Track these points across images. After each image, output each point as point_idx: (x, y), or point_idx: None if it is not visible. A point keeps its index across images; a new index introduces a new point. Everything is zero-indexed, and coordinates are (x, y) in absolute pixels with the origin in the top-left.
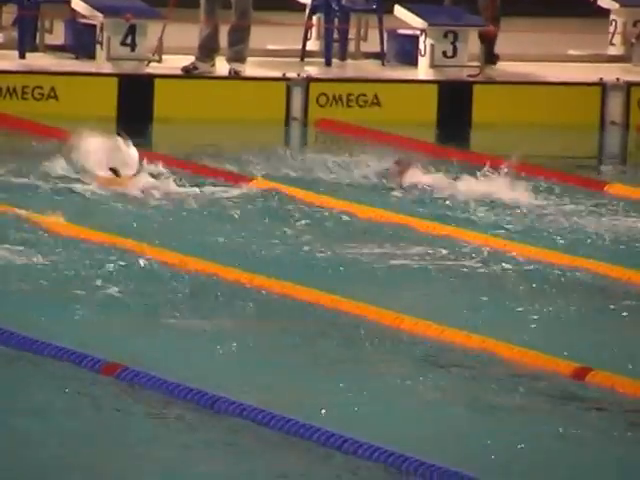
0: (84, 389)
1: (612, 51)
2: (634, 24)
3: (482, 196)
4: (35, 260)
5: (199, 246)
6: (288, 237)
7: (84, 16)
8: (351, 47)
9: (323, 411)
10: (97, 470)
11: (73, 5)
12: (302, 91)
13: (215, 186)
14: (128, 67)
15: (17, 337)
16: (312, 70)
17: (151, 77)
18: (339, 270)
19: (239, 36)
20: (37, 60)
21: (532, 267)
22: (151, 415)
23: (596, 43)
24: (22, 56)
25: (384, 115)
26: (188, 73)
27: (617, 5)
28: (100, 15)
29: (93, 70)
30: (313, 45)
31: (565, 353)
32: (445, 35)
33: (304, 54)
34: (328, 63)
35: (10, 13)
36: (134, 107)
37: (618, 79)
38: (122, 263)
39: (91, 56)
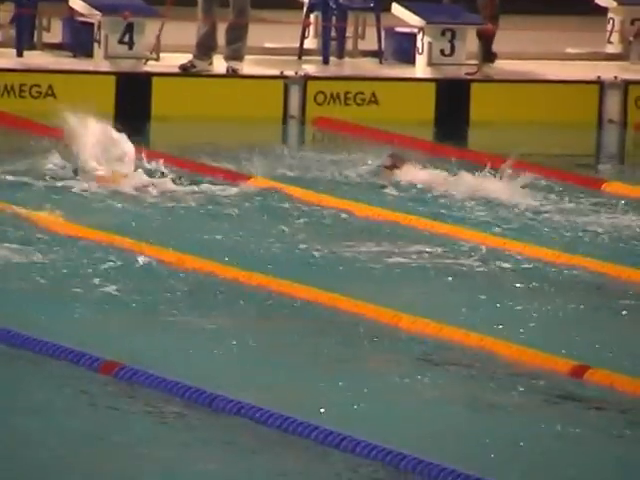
0: (83, 388)
1: (610, 49)
2: (632, 22)
3: (480, 194)
4: (33, 258)
5: (197, 244)
6: (286, 235)
7: (82, 14)
8: (349, 45)
9: (322, 409)
10: (96, 469)
11: (71, 3)
12: (300, 89)
13: (213, 184)
14: (126, 65)
15: (15, 335)
16: (310, 68)
17: (149, 75)
18: (337, 268)
19: (237, 34)
20: (35, 58)
21: (530, 265)
22: (150, 413)
23: (594, 41)
24: (20, 54)
25: (382, 113)
26: (186, 71)
27: (615, 3)
28: (98, 13)
29: (91, 68)
30: (311, 43)
31: (563, 351)
32: (443, 33)
33: (302, 52)
34: (326, 61)
35: (8, 11)
36: (132, 105)
37: (616, 77)
38: (120, 261)
39: (89, 54)
